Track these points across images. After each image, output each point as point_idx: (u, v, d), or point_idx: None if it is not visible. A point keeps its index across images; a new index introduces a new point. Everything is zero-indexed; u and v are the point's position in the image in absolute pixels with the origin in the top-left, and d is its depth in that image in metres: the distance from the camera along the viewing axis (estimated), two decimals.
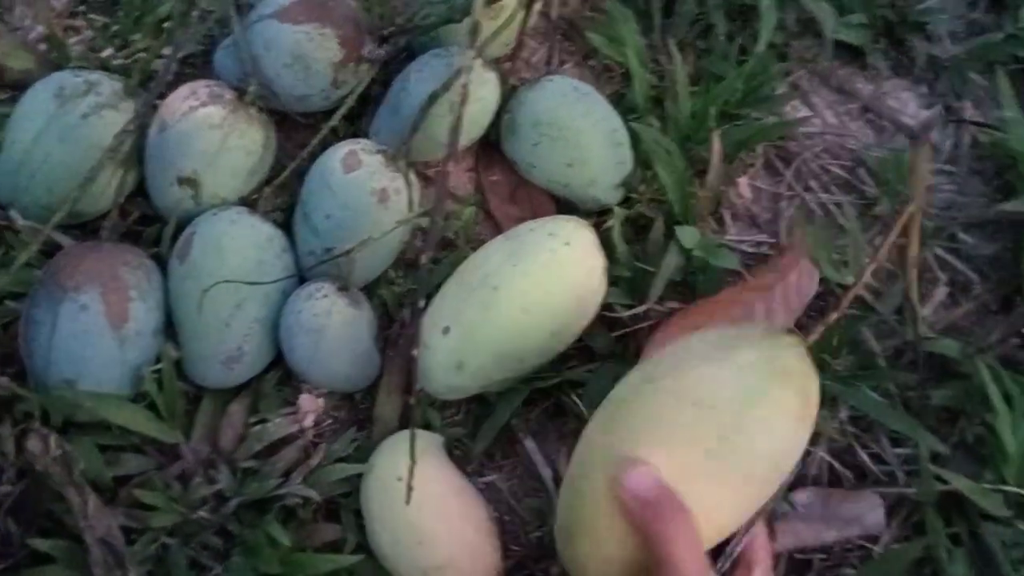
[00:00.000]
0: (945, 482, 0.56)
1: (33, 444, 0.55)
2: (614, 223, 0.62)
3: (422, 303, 0.55)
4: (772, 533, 0.58)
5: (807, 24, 0.72)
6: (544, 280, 0.56)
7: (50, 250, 0.63)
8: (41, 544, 0.55)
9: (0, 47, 0.67)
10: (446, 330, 0.57)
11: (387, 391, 0.62)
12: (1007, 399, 0.58)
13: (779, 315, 0.61)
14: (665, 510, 0.39)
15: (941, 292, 0.66)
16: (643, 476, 0.39)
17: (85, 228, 0.65)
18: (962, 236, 0.68)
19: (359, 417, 0.63)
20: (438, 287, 0.61)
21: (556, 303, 0.56)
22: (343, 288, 0.59)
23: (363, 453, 0.60)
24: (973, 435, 0.59)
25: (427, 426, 0.61)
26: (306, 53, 0.61)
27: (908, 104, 0.73)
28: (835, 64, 0.74)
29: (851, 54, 0.75)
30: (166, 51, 0.69)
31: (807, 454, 0.62)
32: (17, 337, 0.61)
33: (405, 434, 0.59)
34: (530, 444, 0.63)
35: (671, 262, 0.61)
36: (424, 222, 0.66)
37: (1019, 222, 0.68)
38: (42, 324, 0.57)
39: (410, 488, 0.48)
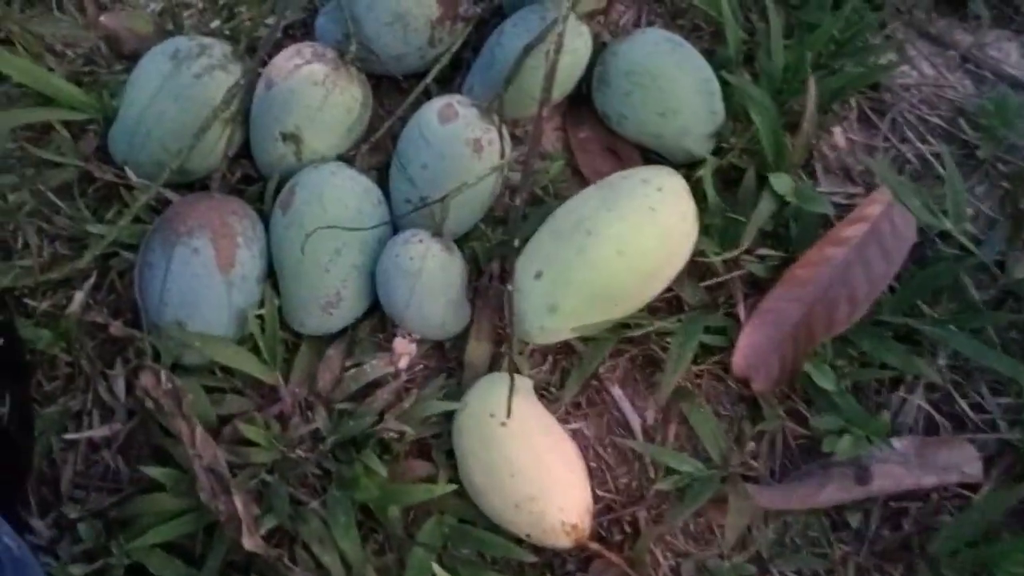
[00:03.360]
0: None
1: (146, 379, 0.58)
2: (706, 172, 0.62)
3: (516, 243, 0.56)
4: (869, 475, 0.56)
5: None
6: (638, 223, 0.57)
7: (162, 208, 0.66)
8: (152, 472, 0.57)
9: (120, 18, 0.71)
10: (538, 274, 0.58)
11: (477, 338, 0.63)
12: None
13: (878, 265, 0.59)
14: None
15: None
16: None
17: (193, 187, 0.69)
18: None
19: (449, 365, 0.64)
20: (527, 239, 0.63)
21: (650, 246, 0.57)
22: (438, 234, 0.60)
23: (453, 398, 0.62)
24: None
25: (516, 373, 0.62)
26: (406, 11, 0.64)
27: (1011, 54, 0.71)
28: (933, 14, 0.72)
29: (949, 4, 0.73)
30: (270, 20, 0.73)
31: (903, 402, 0.60)
32: (131, 285, 0.65)
33: (497, 375, 0.60)
34: (617, 392, 0.63)
35: (764, 208, 0.61)
36: (516, 177, 0.67)
37: None
38: (156, 267, 0.60)
39: (509, 407, 0.49)
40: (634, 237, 0.57)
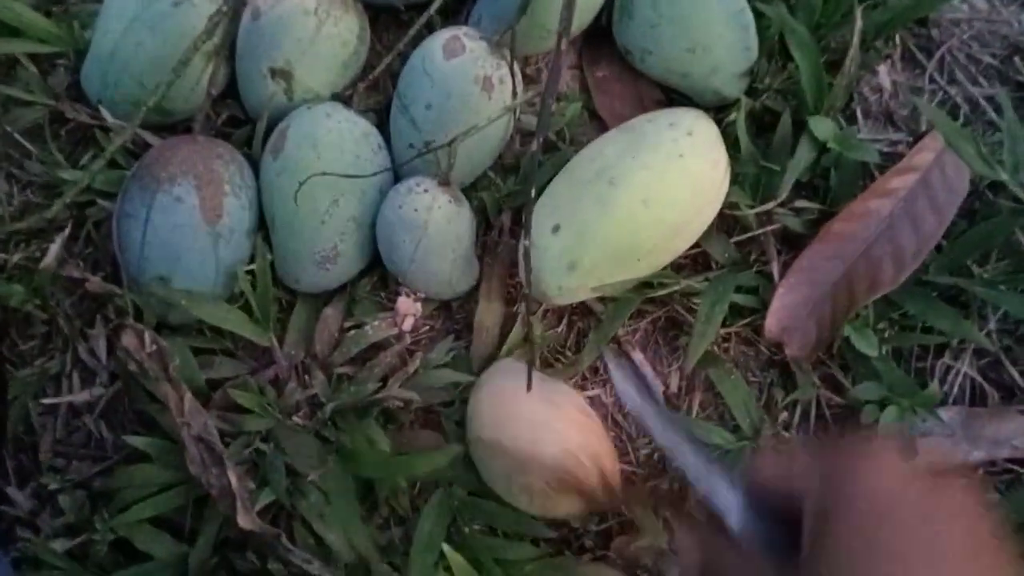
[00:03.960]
0: None
1: (128, 339, 0.53)
2: (739, 115, 0.57)
3: (532, 192, 0.51)
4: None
5: None
6: (666, 172, 0.51)
7: (140, 152, 0.61)
8: (136, 441, 0.53)
9: None
10: (556, 228, 0.53)
11: (487, 298, 0.58)
12: None
13: (927, 219, 0.54)
14: None
15: None
16: None
17: (175, 129, 0.63)
18: None
19: (456, 327, 0.60)
20: (543, 188, 0.57)
21: (678, 196, 0.52)
22: (444, 183, 0.55)
23: (460, 362, 0.57)
24: None
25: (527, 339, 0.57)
26: None
27: None
28: None
29: None
30: None
31: (947, 369, 0.56)
32: (109, 236, 0.59)
33: (512, 363, 0.55)
34: (638, 356, 0.59)
35: (802, 156, 0.56)
36: (529, 120, 0.62)
37: None
38: (135, 218, 0.55)
39: (529, 383, 0.45)
40: (661, 186, 0.51)
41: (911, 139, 0.60)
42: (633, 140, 0.53)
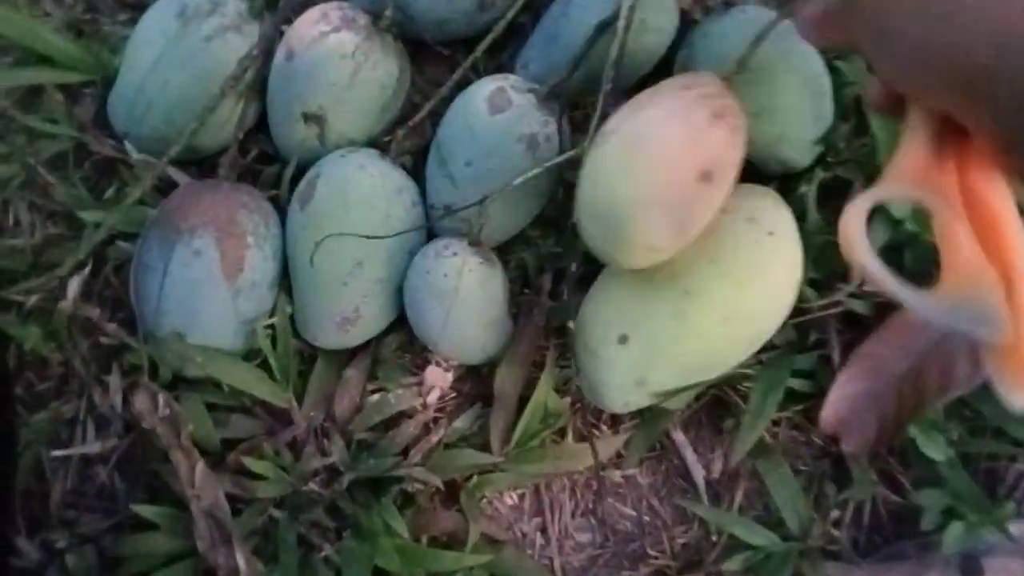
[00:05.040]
0: None
1: (141, 401, 0.51)
2: (808, 191, 0.52)
3: (573, 267, 0.47)
4: (979, 568, 0.47)
5: None
6: (747, 283, 0.46)
7: (165, 187, 0.58)
8: (146, 511, 0.51)
9: None
10: (624, 339, 0.48)
11: (510, 363, 0.54)
12: None
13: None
14: None
15: None
16: None
17: (202, 165, 0.60)
18: None
19: (483, 392, 0.56)
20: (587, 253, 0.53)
21: (758, 308, 0.47)
22: (474, 243, 0.51)
23: (485, 432, 0.54)
24: None
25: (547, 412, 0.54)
26: None
27: None
28: None
29: None
30: None
31: (1020, 476, 0.51)
32: (125, 281, 0.57)
33: None
34: (680, 437, 0.55)
35: (877, 237, 0.50)
36: (575, 175, 0.57)
37: None
38: (154, 269, 0.52)
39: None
40: (742, 300, 0.46)
41: None
42: (709, 240, 0.46)
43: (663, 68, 0.56)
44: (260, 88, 0.57)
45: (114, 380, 0.56)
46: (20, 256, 0.59)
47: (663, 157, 0.41)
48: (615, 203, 0.41)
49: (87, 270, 0.57)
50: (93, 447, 0.55)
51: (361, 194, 0.52)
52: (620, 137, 0.42)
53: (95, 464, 0.56)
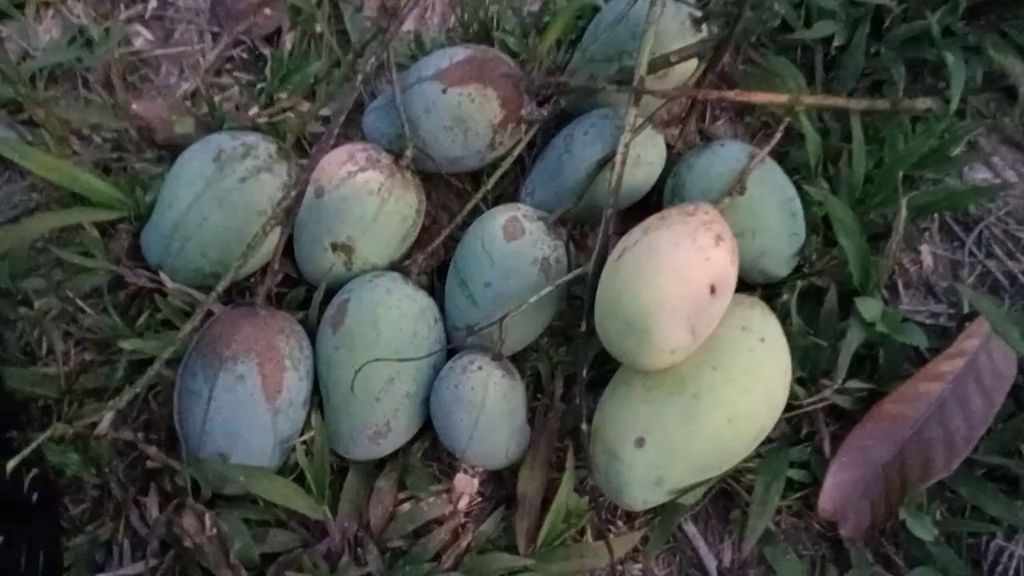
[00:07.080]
0: None
1: (188, 522, 0.53)
2: (790, 298, 0.58)
3: (584, 372, 0.52)
4: None
5: (989, 78, 0.67)
6: (746, 385, 0.51)
7: (192, 311, 0.61)
8: None
9: (157, 109, 0.66)
10: (640, 442, 0.52)
11: (531, 467, 0.58)
12: None
13: (977, 403, 0.55)
14: None
15: None
16: None
17: (231, 290, 0.64)
18: None
19: (505, 494, 0.60)
20: (595, 359, 0.59)
21: (757, 408, 0.52)
22: (496, 358, 0.56)
23: (510, 534, 0.57)
24: None
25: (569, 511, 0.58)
26: (467, 115, 0.59)
27: None
28: (1018, 121, 0.68)
29: None
30: (324, 111, 0.68)
31: (1000, 551, 0.56)
32: (161, 404, 0.60)
33: None
34: (691, 529, 0.59)
35: (853, 339, 0.57)
36: (581, 290, 0.63)
37: None
38: (198, 395, 0.55)
39: None
40: (743, 402, 0.51)
41: (951, 311, 0.62)
42: (710, 347, 0.52)
43: (653, 195, 0.63)
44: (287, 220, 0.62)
45: (151, 501, 0.58)
46: (53, 383, 0.62)
47: (679, 272, 0.47)
48: (639, 312, 0.47)
49: (124, 396, 0.60)
50: (132, 569, 0.57)
51: (390, 316, 0.56)
52: (635, 254, 0.48)
53: None
